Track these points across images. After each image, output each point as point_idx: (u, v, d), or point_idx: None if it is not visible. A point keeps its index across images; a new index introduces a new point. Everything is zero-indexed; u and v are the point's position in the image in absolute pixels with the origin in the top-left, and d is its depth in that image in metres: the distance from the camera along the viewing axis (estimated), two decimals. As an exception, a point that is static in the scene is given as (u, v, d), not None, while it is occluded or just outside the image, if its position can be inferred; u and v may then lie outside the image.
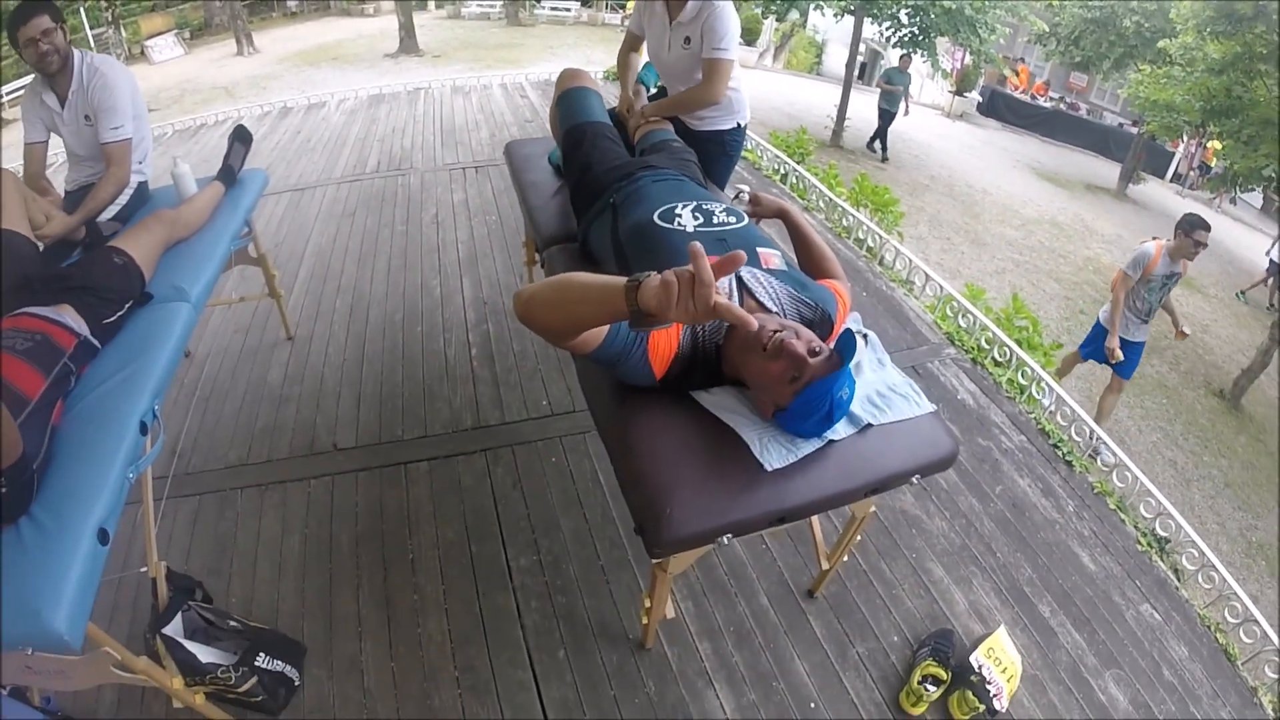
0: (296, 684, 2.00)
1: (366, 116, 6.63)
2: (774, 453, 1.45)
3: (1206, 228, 4.21)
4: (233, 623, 1.97)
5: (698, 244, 1.04)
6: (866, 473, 1.52)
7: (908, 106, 11.68)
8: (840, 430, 1.54)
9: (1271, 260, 10.88)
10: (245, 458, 2.79)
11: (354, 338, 3.41)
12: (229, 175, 2.76)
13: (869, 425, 1.57)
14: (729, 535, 1.39)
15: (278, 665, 1.95)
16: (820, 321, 1.62)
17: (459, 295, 3.69)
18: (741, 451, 1.45)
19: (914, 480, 1.60)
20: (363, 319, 3.53)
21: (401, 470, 2.68)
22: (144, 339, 2.00)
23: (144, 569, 1.86)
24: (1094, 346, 4.80)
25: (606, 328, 1.39)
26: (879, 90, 11.38)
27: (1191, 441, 6.81)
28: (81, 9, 16.52)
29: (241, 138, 2.86)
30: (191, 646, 1.80)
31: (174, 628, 1.81)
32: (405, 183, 5.07)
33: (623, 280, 1.13)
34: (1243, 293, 10.51)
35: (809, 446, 1.49)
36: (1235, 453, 6.86)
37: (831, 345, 1.45)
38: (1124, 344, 4.49)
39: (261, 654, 1.92)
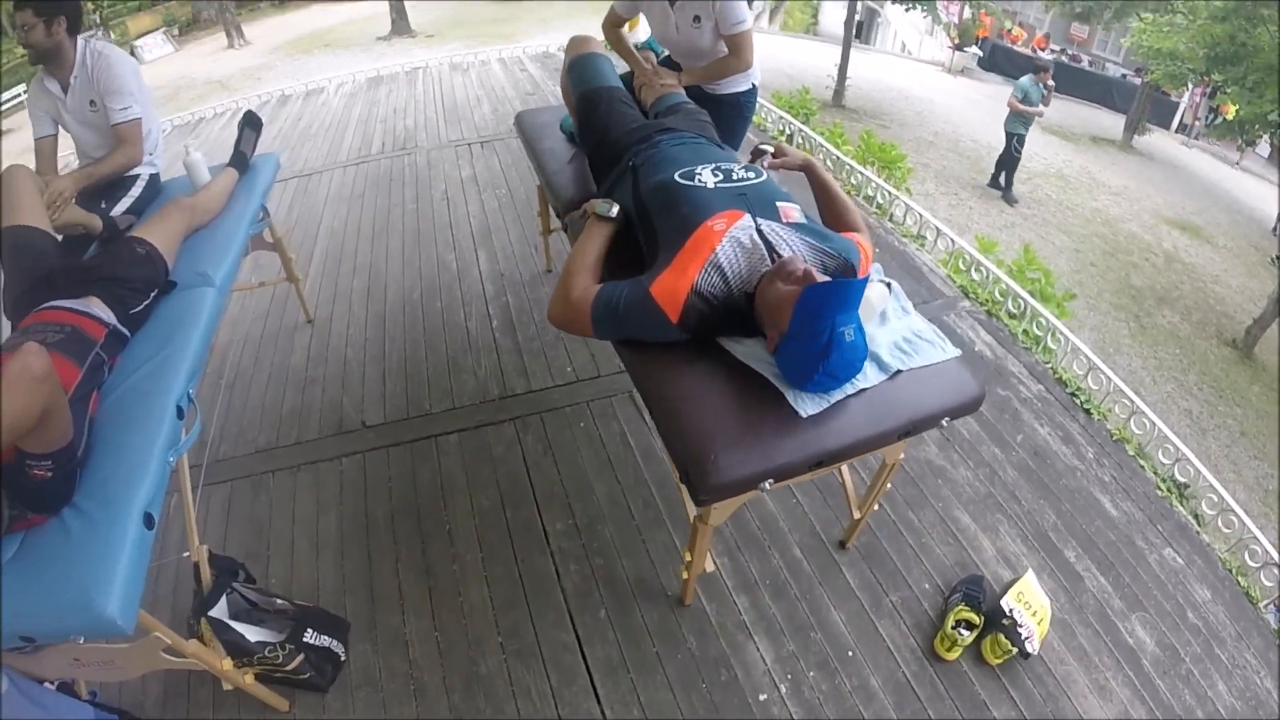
0: (342, 659, 2.04)
1: (367, 99, 6.61)
2: (808, 400, 1.50)
3: None
4: (279, 601, 1.99)
5: None
6: (897, 416, 1.56)
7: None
8: (870, 376, 1.58)
9: None
10: (275, 441, 2.82)
11: (373, 316, 3.43)
12: (242, 161, 2.76)
13: (898, 371, 1.61)
14: (770, 480, 1.43)
15: (324, 640, 1.98)
16: (843, 271, 1.65)
17: (475, 269, 3.71)
18: (777, 399, 1.50)
19: (943, 423, 1.65)
20: (381, 298, 3.56)
21: (432, 443, 2.72)
22: (173, 325, 2.01)
23: (186, 554, 1.89)
24: None
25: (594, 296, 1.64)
26: (1008, 109, 8.72)
27: (1206, 391, 6.83)
28: (69, 12, 16.35)
29: (252, 123, 2.86)
30: (239, 627, 1.81)
31: (219, 610, 1.82)
32: (411, 162, 5.07)
33: None
34: (1276, 258, 9.61)
35: (840, 393, 1.53)
36: (1250, 402, 6.88)
37: None
38: None
39: (309, 630, 1.95)
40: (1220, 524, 2.73)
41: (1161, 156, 14.04)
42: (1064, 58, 18.45)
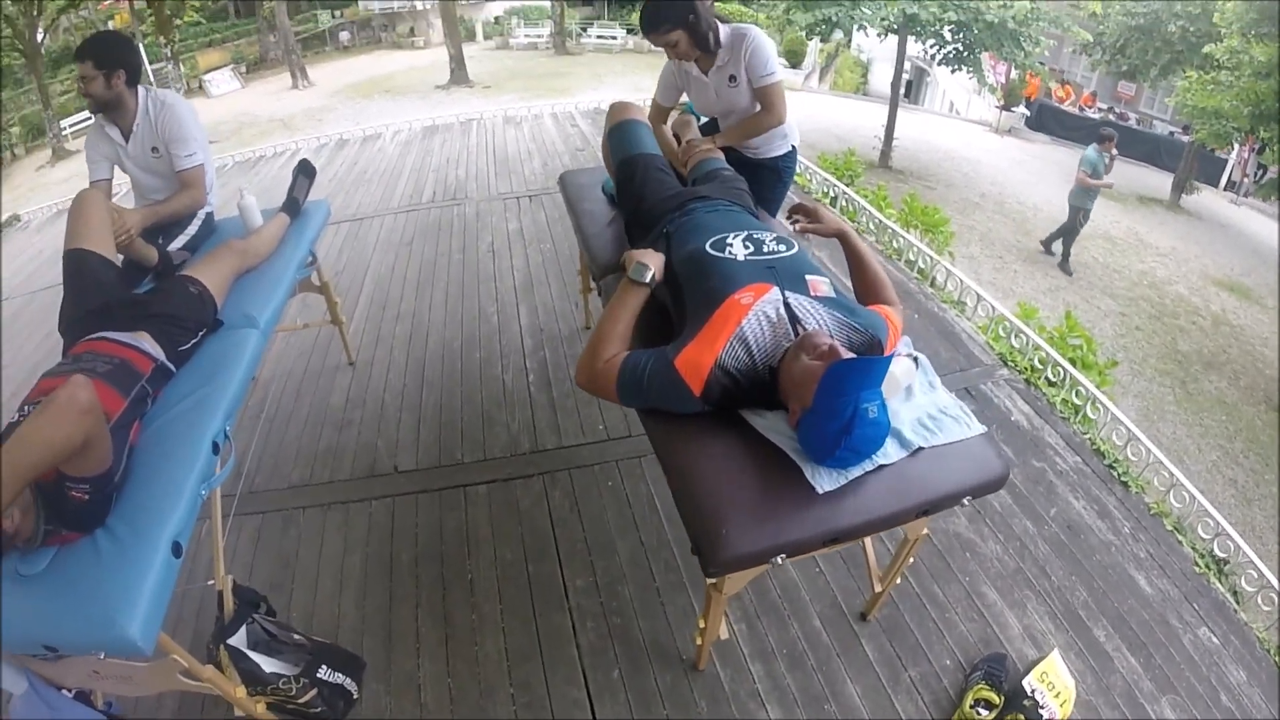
0: (355, 697, 2.07)
1: (421, 148, 6.81)
2: (825, 475, 1.50)
3: None
4: (296, 636, 2.03)
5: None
6: (917, 494, 1.56)
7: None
8: (891, 453, 1.57)
9: None
10: (308, 478, 2.89)
11: (413, 363, 3.52)
12: (294, 206, 2.85)
13: (920, 448, 1.60)
14: (783, 555, 1.44)
15: (338, 678, 2.01)
16: (869, 346, 1.65)
17: (515, 322, 3.79)
18: (794, 474, 1.51)
19: (965, 502, 1.63)
20: (422, 345, 3.65)
21: (461, 493, 2.76)
22: (216, 363, 2.09)
23: (211, 582, 1.95)
24: None
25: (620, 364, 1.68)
26: (1074, 183, 8.51)
27: (1252, 459, 6.60)
28: (140, 45, 16.87)
29: (305, 171, 2.96)
30: (255, 657, 1.86)
31: (239, 639, 1.87)
32: (461, 212, 5.21)
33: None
34: None
35: (859, 469, 1.53)
36: (1299, 471, 6.62)
37: None
38: None
39: (323, 666, 1.98)
40: (1260, 601, 2.63)
41: (1210, 216, 13.76)
42: (1111, 115, 18.26)
